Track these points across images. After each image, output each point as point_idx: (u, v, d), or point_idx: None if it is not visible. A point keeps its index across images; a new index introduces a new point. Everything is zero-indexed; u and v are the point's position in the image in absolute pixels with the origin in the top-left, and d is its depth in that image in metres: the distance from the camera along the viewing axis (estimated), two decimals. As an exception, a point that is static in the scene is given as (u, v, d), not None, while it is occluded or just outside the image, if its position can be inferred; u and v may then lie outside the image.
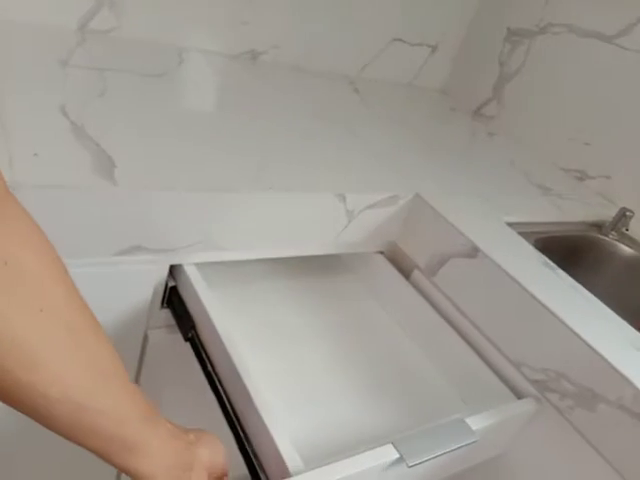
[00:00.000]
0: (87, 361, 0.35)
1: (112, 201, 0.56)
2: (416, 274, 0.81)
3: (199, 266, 0.67)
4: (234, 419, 0.56)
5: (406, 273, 0.83)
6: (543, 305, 0.63)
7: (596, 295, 0.69)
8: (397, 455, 0.52)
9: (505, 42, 1.26)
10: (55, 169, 0.54)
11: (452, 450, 0.56)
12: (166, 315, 0.70)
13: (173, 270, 0.68)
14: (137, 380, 0.74)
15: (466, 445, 0.57)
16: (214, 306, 0.62)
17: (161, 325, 0.70)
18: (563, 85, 1.14)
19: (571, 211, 0.94)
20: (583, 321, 0.63)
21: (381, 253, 0.85)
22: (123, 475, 0.80)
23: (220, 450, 0.45)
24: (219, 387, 0.58)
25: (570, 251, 0.90)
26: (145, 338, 0.70)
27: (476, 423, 0.59)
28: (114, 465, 0.38)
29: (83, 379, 0.35)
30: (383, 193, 0.76)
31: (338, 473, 0.49)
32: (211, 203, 0.62)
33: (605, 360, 0.57)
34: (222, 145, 0.71)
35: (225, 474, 0.46)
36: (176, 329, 0.68)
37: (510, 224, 0.80)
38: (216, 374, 0.59)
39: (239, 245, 0.68)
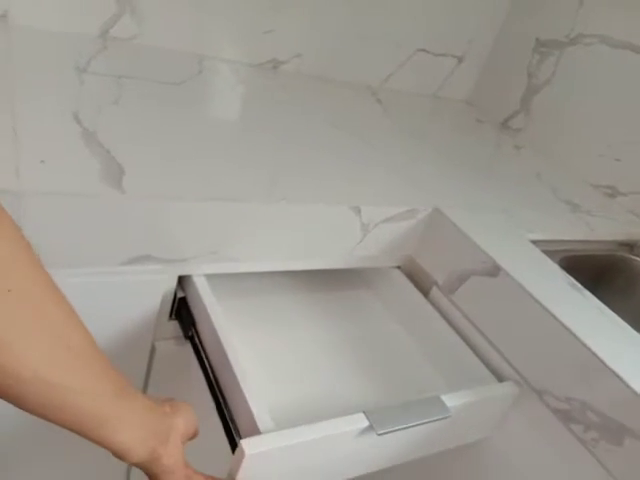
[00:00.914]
0: (55, 339, 0.35)
1: (119, 209, 0.55)
2: (435, 291, 0.78)
3: (209, 277, 0.65)
4: (215, 387, 0.58)
5: (424, 289, 0.80)
6: (568, 329, 0.60)
7: (625, 320, 0.65)
8: (367, 423, 0.53)
9: (534, 53, 1.23)
10: (62, 176, 0.53)
11: (423, 423, 0.57)
12: (174, 326, 0.68)
13: (182, 281, 0.66)
14: (144, 392, 0.72)
15: (438, 420, 0.58)
16: (221, 319, 0.60)
17: (169, 336, 0.69)
18: (594, 98, 1.10)
19: (600, 229, 0.90)
20: (611, 347, 0.59)
21: (398, 268, 0.83)
22: (132, 473, 0.78)
23: (193, 418, 0.48)
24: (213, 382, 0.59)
25: (598, 271, 0.86)
26: (152, 349, 0.69)
27: (451, 400, 0.60)
28: (90, 440, 0.39)
29: (52, 357, 0.35)
30: (401, 206, 0.73)
31: (307, 435, 0.50)
32: (222, 213, 0.60)
33: (634, 392, 0.53)
34: (237, 155, 0.70)
35: (195, 435, 0.49)
36: (184, 341, 0.66)
37: (535, 242, 0.76)
38: (214, 376, 0.59)
39: (250, 257, 0.66)
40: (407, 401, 0.59)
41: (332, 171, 0.75)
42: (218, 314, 0.61)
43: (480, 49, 1.29)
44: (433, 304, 0.77)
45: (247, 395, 0.52)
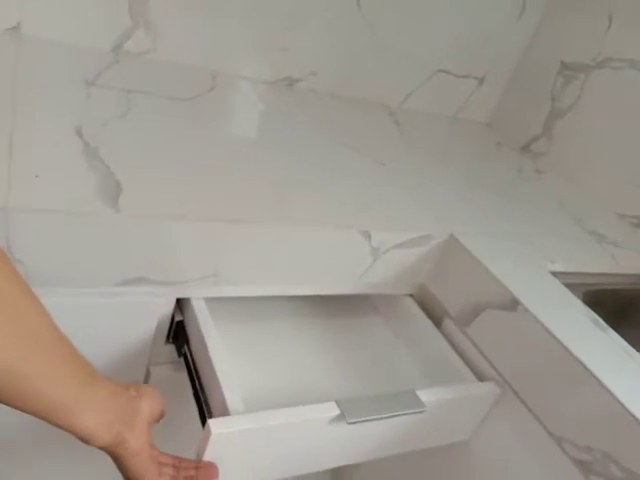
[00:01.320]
0: (15, 327, 0.35)
1: (114, 228, 0.52)
2: (447, 322, 0.73)
3: (209, 301, 0.62)
4: (194, 374, 0.59)
5: (436, 320, 0.75)
6: (590, 371, 0.55)
7: (654, 362, 0.60)
8: (338, 412, 0.53)
9: (558, 76, 1.19)
10: (55, 192, 0.51)
11: (396, 415, 0.56)
12: (171, 351, 0.65)
13: (181, 304, 0.63)
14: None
15: (412, 413, 0.58)
16: (216, 342, 0.57)
17: (165, 361, 0.66)
18: (621, 124, 1.05)
19: (627, 262, 0.85)
20: (637, 394, 0.54)
21: (410, 296, 0.79)
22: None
23: (158, 400, 0.48)
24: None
25: (624, 308, 0.81)
26: (147, 374, 0.66)
27: (427, 395, 0.60)
28: (55, 425, 0.39)
29: (12, 345, 0.35)
30: (414, 232, 0.69)
31: (276, 419, 0.51)
32: (223, 234, 0.57)
33: (664, 446, 0.49)
34: (243, 174, 0.67)
35: (162, 416, 0.49)
36: (182, 366, 0.63)
37: (556, 273, 0.72)
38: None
39: (253, 281, 0.63)
40: (381, 393, 0.59)
41: (343, 193, 0.72)
42: (213, 338, 0.57)
43: (502, 71, 1.26)
44: (445, 335, 0.73)
45: (220, 378, 0.53)
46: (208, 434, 0.48)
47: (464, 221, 0.77)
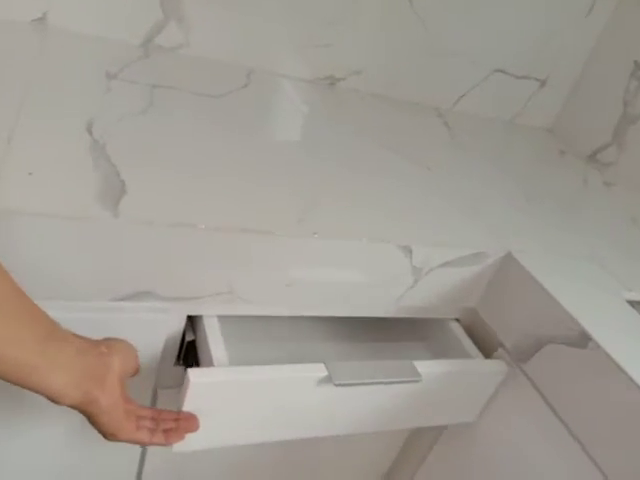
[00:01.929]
0: None
1: (113, 235, 0.45)
2: (500, 354, 0.63)
3: (223, 320, 0.55)
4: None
5: (486, 350, 0.65)
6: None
7: None
8: (326, 373, 0.51)
9: (631, 78, 1.06)
10: (51, 193, 0.45)
11: (387, 382, 0.54)
12: (182, 373, 0.58)
13: (193, 322, 0.56)
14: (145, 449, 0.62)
15: (406, 382, 0.55)
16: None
17: (174, 384, 0.58)
18: None
19: None
20: None
21: (456, 320, 0.69)
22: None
23: (132, 354, 0.47)
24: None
25: None
26: (154, 397, 0.59)
27: (425, 366, 0.57)
28: (23, 387, 0.38)
29: None
30: (464, 249, 0.60)
31: (260, 374, 0.49)
32: (240, 246, 0.50)
33: None
34: (268, 179, 0.60)
35: (137, 371, 0.48)
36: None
37: (633, 303, 0.60)
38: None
39: (273, 298, 0.55)
40: (375, 361, 0.56)
41: (382, 201, 0.63)
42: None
43: (567, 72, 1.14)
44: (510, 388, 0.62)
45: (210, 338, 0.52)
46: (187, 383, 0.47)
47: (523, 238, 0.66)
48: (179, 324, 0.54)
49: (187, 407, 0.48)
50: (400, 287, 0.59)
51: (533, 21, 1.04)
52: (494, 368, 0.60)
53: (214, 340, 0.53)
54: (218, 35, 0.87)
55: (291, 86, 0.92)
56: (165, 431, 0.47)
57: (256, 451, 0.68)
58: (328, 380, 0.51)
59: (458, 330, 0.68)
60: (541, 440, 0.57)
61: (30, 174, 0.45)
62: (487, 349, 0.65)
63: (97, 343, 0.44)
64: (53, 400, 0.40)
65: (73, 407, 0.42)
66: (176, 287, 0.50)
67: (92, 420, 0.43)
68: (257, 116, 0.77)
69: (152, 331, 0.53)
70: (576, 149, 1.12)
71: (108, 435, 0.44)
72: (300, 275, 0.54)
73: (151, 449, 0.64)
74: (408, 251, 0.56)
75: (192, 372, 0.47)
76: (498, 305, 0.63)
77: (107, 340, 0.45)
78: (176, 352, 0.57)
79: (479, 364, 0.61)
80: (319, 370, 0.51)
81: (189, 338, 0.56)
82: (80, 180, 0.48)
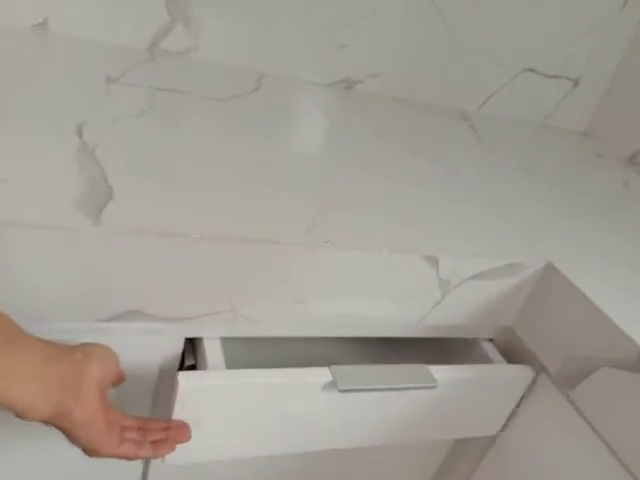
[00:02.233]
0: None
1: (95, 247, 0.40)
2: (543, 380, 0.56)
3: (226, 342, 0.49)
4: None
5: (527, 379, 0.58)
6: None
7: None
8: (330, 378, 0.47)
9: (673, 74, 0.98)
10: (26, 199, 0.40)
11: (398, 388, 0.49)
12: (182, 403, 0.52)
13: (194, 344, 0.50)
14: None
15: (419, 388, 0.50)
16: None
17: (173, 415, 0.52)
18: None
19: None
20: None
21: (490, 341, 0.62)
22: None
23: (111, 360, 0.42)
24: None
25: None
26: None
27: (442, 372, 0.52)
28: None
29: None
30: (498, 259, 0.53)
31: (257, 378, 0.45)
32: (241, 257, 0.44)
33: None
34: (276, 185, 0.54)
35: (120, 379, 0.44)
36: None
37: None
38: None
39: (281, 317, 0.49)
40: (385, 365, 0.51)
41: (404, 208, 0.57)
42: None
43: (601, 70, 1.06)
44: (538, 397, 0.55)
45: (210, 362, 0.47)
46: (176, 387, 0.43)
47: (563, 246, 0.59)
48: (176, 347, 0.48)
49: (177, 415, 0.44)
50: (425, 303, 0.52)
51: (564, 16, 0.97)
52: (518, 373, 0.55)
53: (215, 365, 0.47)
54: (228, 38, 0.82)
55: (305, 90, 0.86)
56: (154, 442, 0.43)
57: (275, 461, 0.61)
58: (332, 386, 0.46)
59: (492, 352, 0.61)
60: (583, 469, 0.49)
61: (4, 181, 0.40)
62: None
63: (70, 349, 0.39)
64: (19, 414, 0.35)
65: (44, 422, 0.37)
66: (170, 305, 0.45)
67: (68, 435, 0.39)
68: (266, 120, 0.71)
69: (145, 355, 0.47)
70: (614, 152, 1.04)
71: (88, 451, 0.40)
72: (311, 290, 0.47)
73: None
74: (434, 262, 0.50)
75: (182, 375, 0.43)
76: (538, 323, 0.55)
77: (83, 345, 0.40)
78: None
79: (502, 369, 0.56)
80: (323, 375, 0.47)
81: (188, 362, 0.50)
82: (61, 185, 0.42)
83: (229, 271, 0.44)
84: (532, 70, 1.01)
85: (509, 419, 0.59)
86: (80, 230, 0.39)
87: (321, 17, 0.84)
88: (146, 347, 0.46)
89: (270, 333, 0.50)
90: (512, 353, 0.59)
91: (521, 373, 0.56)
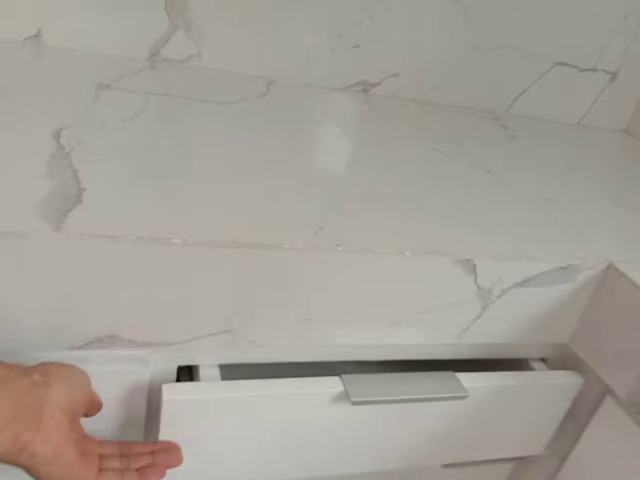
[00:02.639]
0: None
1: (57, 257, 0.33)
2: (609, 404, 0.46)
3: (225, 370, 0.41)
4: None
5: (590, 399, 0.48)
6: None
7: None
8: (341, 388, 0.40)
9: None
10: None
11: (420, 399, 0.42)
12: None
13: (191, 374, 0.43)
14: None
15: (447, 399, 0.43)
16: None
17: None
18: None
19: None
20: None
21: (542, 361, 0.52)
22: None
23: (80, 382, 0.35)
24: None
25: None
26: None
27: (473, 380, 0.45)
28: None
29: None
30: (547, 262, 0.44)
31: (253, 390, 0.39)
32: (234, 266, 0.37)
33: None
34: (279, 188, 0.46)
35: (97, 406, 0.37)
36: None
37: None
38: None
39: (286, 338, 0.41)
40: (405, 373, 0.44)
41: (432, 208, 0.49)
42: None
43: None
44: (604, 423, 0.46)
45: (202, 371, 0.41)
46: (160, 402, 0.37)
47: (620, 245, 0.50)
48: (167, 377, 0.41)
49: (165, 435, 0.38)
50: (462, 318, 0.44)
51: (596, 4, 0.90)
52: (565, 380, 0.47)
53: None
54: (232, 44, 0.77)
55: (318, 94, 0.80)
56: (140, 469, 0.37)
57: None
58: (344, 397, 0.40)
59: (546, 374, 0.51)
60: None
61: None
62: (590, 397, 0.48)
63: (26, 369, 0.33)
64: None
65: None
66: (152, 328, 0.37)
67: (30, 474, 0.33)
68: (273, 123, 0.65)
69: (128, 389, 0.39)
70: (661, 148, 0.94)
71: None
72: (320, 305, 0.39)
73: None
74: (471, 267, 0.41)
75: (167, 388, 0.37)
76: (600, 338, 0.46)
77: (43, 365, 0.34)
78: (167, 415, 0.43)
79: (545, 376, 0.48)
80: (332, 385, 0.40)
81: (184, 396, 0.42)
82: (24, 189, 0.36)
83: (220, 283, 0.36)
84: (565, 64, 0.92)
85: (575, 442, 0.50)
86: (36, 236, 0.32)
87: (330, 16, 0.78)
88: (131, 378, 0.39)
89: (273, 358, 0.42)
90: (570, 375, 0.50)
91: (568, 380, 0.48)
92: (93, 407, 0.37)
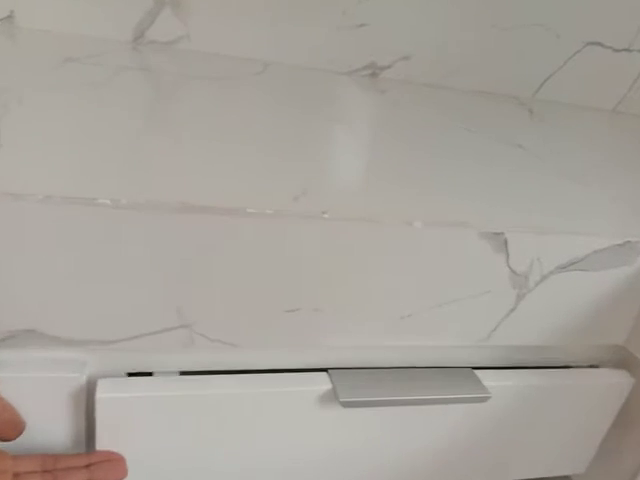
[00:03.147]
0: None
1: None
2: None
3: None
4: None
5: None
6: None
7: None
8: (329, 386, 0.32)
9: None
10: None
11: (428, 402, 0.32)
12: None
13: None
14: None
15: (463, 401, 0.32)
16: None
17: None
18: None
19: None
20: None
21: (593, 367, 0.42)
22: None
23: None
24: None
25: None
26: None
27: (496, 377, 0.35)
28: None
29: None
30: (599, 237, 0.35)
31: (209, 387, 0.31)
32: (192, 237, 0.28)
33: None
34: (257, 151, 0.38)
35: (14, 427, 0.29)
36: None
37: None
38: None
39: (263, 336, 0.31)
40: (413, 369, 0.34)
41: (453, 180, 0.39)
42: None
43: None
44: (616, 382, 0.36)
45: None
46: (93, 400, 0.30)
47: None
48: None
49: (103, 443, 0.31)
50: (490, 311, 0.34)
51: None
52: (612, 380, 0.38)
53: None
54: (225, 22, 0.69)
55: (319, 77, 0.72)
56: None
57: None
58: (331, 397, 0.32)
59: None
60: None
61: None
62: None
63: None
64: None
65: None
66: (82, 320, 0.29)
67: None
68: (271, 101, 0.57)
69: (60, 400, 0.30)
70: None
71: None
72: (307, 293, 0.30)
73: None
74: (501, 243, 0.32)
75: (102, 384, 0.30)
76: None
77: None
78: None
79: (586, 375, 0.39)
80: (318, 382, 0.32)
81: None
82: None
83: (170, 261, 0.28)
84: (597, 43, 0.83)
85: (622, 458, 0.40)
86: None
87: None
88: (62, 386, 0.30)
89: (252, 363, 0.33)
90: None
91: (617, 380, 0.39)
92: (12, 428, 0.29)
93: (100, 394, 0.29)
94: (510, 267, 0.33)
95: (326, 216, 0.29)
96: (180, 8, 0.67)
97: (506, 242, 0.32)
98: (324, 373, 0.33)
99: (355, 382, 0.32)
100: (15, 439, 0.29)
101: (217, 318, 0.30)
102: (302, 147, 0.39)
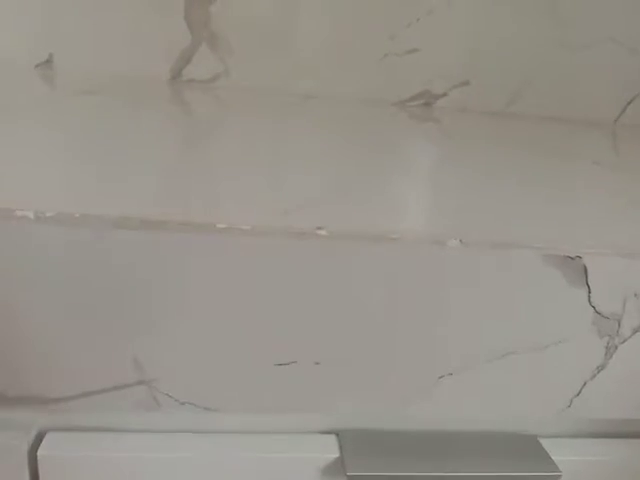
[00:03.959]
0: None
1: None
2: None
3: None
4: None
5: None
6: None
7: None
8: (336, 454, 0.26)
9: None
10: None
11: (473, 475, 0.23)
12: None
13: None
14: None
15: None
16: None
17: None
18: None
19: None
20: None
21: None
22: None
23: None
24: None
25: None
26: None
27: (569, 451, 0.26)
28: None
29: None
30: None
31: (188, 449, 0.25)
32: (145, 262, 0.21)
33: None
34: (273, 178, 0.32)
35: None
36: None
37: None
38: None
39: (249, 399, 0.24)
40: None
41: (511, 201, 0.31)
42: None
43: None
44: None
45: None
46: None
47: None
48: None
49: None
50: (568, 371, 0.25)
51: None
52: None
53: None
54: (260, 56, 0.66)
55: (366, 109, 0.66)
56: None
57: None
58: (338, 467, 0.24)
59: None
60: None
61: None
62: None
63: None
64: None
65: None
66: (13, 370, 0.22)
67: None
68: (310, 134, 0.51)
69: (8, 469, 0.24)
70: None
71: None
72: (304, 341, 0.23)
73: None
74: (579, 270, 0.23)
75: (47, 440, 0.25)
76: None
77: None
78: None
79: None
80: (324, 445, 0.25)
81: None
82: None
83: (118, 292, 0.21)
84: (615, 40, 0.72)
85: None
86: None
87: (378, 17, 0.66)
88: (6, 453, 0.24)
89: (221, 426, 0.25)
90: None
91: None
92: None
93: (43, 451, 0.23)
94: (593, 306, 0.24)
95: (323, 233, 0.21)
96: (217, 44, 0.65)
97: (585, 270, 0.23)
98: (333, 435, 0.24)
99: (369, 449, 0.24)
100: None
101: (185, 373, 0.22)
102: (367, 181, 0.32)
